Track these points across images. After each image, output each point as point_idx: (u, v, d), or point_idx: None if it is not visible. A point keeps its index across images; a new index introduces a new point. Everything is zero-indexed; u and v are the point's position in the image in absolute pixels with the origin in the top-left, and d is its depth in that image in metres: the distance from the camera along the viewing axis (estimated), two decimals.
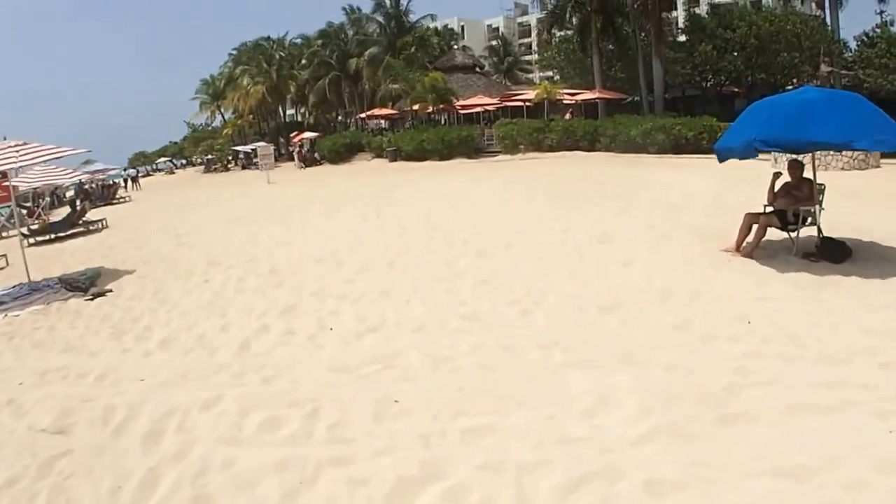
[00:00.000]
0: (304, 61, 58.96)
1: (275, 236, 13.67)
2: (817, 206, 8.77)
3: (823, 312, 6.42)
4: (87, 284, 10.90)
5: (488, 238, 11.21)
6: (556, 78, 44.02)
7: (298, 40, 65.36)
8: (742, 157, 8.26)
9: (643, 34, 34.73)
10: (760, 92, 36.31)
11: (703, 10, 35.50)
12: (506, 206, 14.90)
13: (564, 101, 36.84)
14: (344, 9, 59.01)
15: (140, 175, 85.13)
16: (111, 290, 10.52)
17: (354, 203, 18.08)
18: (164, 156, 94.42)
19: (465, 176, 24.64)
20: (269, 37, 67.27)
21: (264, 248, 12.37)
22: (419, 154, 35.93)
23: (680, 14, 36.67)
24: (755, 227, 8.97)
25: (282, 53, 63.64)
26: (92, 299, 10.05)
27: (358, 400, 5.08)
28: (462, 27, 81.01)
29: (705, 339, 5.90)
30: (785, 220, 8.90)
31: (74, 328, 8.39)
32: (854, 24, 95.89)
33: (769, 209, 9.12)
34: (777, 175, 9.13)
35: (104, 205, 35.12)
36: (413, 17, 52.74)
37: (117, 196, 39.83)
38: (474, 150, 35.17)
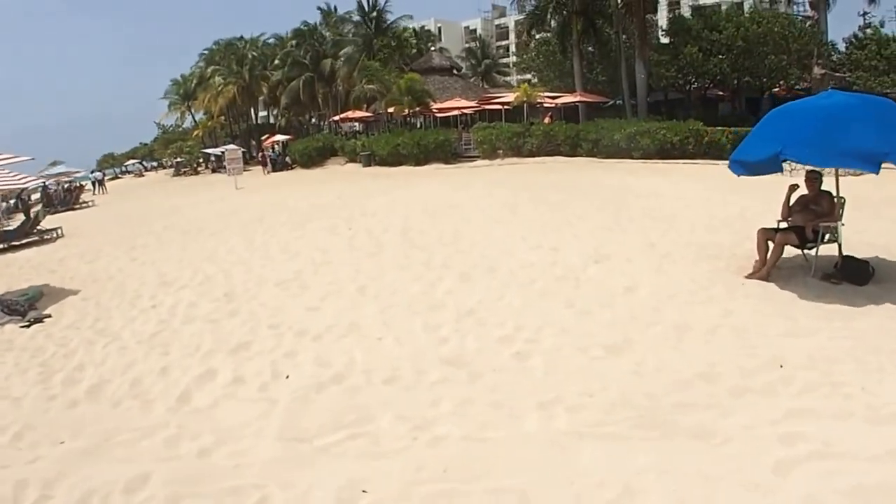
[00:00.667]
0: (276, 61, 57.54)
1: (235, 252, 12.53)
2: (838, 222, 7.88)
3: (862, 350, 5.55)
4: (25, 307, 9.79)
5: (471, 257, 10.19)
6: (534, 81, 43.13)
7: (272, 40, 64.07)
8: (765, 173, 7.32)
9: (625, 36, 34.01)
10: (745, 95, 35.92)
11: (685, 12, 34.75)
12: (488, 219, 13.90)
13: (545, 105, 35.97)
14: (319, 8, 57.95)
15: (108, 178, 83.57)
16: (50, 316, 9.43)
17: (325, 212, 16.99)
18: (134, 158, 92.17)
19: (442, 183, 23.64)
20: (241, 36, 65.82)
21: (222, 267, 11.22)
22: (394, 159, 34.86)
23: (662, 16, 35.86)
24: (770, 244, 8.07)
25: (254, 53, 62.21)
26: (28, 326, 9.02)
27: (315, 486, 4.02)
28: (439, 28, 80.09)
29: (736, 393, 4.95)
30: (803, 237, 8.01)
31: (3, 363, 7.31)
32: (838, 25, 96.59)
33: (784, 225, 8.23)
34: (793, 188, 8.24)
35: (66, 210, 33.63)
36: (391, 17, 51.68)
37: (81, 201, 38.22)
38: (451, 154, 34.16)
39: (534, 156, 30.73)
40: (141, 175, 78.90)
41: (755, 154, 7.26)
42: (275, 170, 44.85)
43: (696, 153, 27.74)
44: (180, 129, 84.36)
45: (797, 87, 34.61)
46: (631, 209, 14.17)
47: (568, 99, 34.60)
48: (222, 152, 57.43)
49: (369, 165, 36.47)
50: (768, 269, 7.94)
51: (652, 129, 28.38)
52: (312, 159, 42.75)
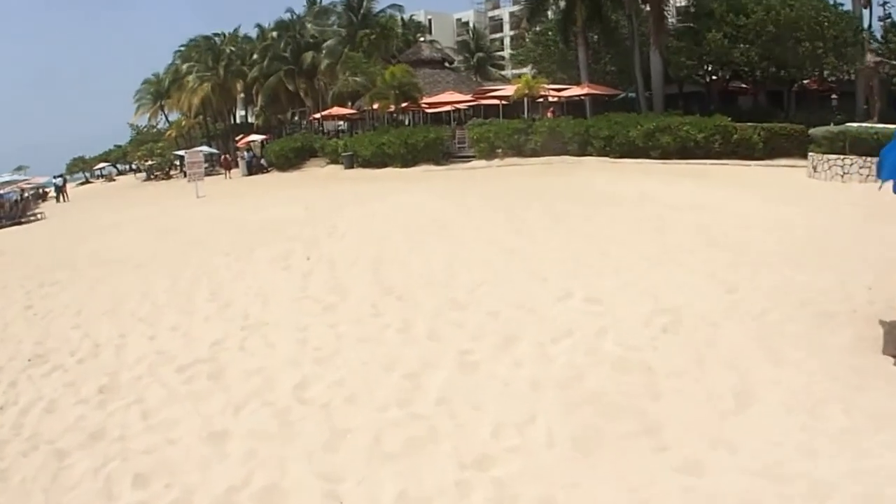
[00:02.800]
0: (255, 56, 54.21)
1: (148, 299, 9.36)
2: None
3: None
4: None
5: (473, 318, 7.08)
6: (532, 73, 39.94)
7: (253, 33, 60.69)
8: None
9: (638, 22, 30.97)
10: (771, 89, 32.86)
11: None
12: (492, 244, 10.80)
13: (549, 98, 32.85)
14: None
15: (78, 183, 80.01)
16: None
17: (284, 232, 13.87)
18: (107, 160, 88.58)
19: (431, 189, 20.55)
20: (219, 32, 62.49)
21: (120, 329, 8.07)
22: (378, 160, 31.67)
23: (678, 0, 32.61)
24: None
25: (232, 48, 58.90)
26: None
27: None
28: (429, 20, 76.85)
29: None
30: None
31: None
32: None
33: None
34: None
35: (11, 224, 30.43)
36: (377, 7, 48.25)
37: (31, 213, 34.93)
38: (443, 154, 30.98)
39: (537, 155, 27.63)
40: (111, 179, 75.60)
41: None
42: (250, 173, 41.61)
43: (722, 152, 24.79)
44: (154, 129, 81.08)
45: (831, 78, 31.58)
46: (676, 229, 11.14)
47: (575, 91, 31.46)
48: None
49: (351, 167, 33.30)
50: None
51: (673, 126, 25.38)
52: (290, 161, 39.48)
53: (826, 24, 27.78)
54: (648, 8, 30.24)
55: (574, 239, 10.75)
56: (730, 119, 25.40)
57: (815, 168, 19.80)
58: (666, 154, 25.12)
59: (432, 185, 21.58)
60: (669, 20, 31.96)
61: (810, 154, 20.36)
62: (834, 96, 30.90)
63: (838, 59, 28.12)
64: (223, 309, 8.39)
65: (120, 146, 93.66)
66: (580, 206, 14.21)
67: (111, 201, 36.52)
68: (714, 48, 28.28)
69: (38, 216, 33.71)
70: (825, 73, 30.24)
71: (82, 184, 79.96)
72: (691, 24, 30.75)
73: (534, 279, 8.38)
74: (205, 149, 56.18)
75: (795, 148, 24.32)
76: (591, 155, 26.60)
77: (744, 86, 33.85)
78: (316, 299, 8.33)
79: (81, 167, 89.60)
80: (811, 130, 22.16)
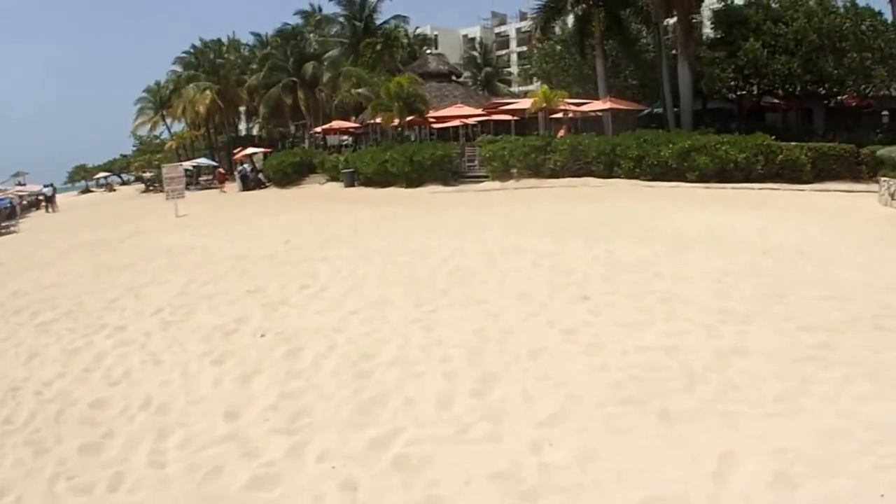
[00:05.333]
0: (254, 66, 50.51)
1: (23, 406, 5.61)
2: None
3: None
4: None
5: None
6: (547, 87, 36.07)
7: (254, 42, 56.99)
8: None
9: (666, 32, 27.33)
10: (809, 105, 29.12)
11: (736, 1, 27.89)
12: (537, 318, 7.00)
13: (569, 114, 29.04)
14: (301, 11, 50.93)
15: (80, 191, 76.40)
16: None
17: (249, 277, 10.13)
18: (111, 170, 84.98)
19: (440, 216, 16.83)
20: (219, 39, 58.79)
21: None
22: (381, 178, 27.93)
23: (705, 4, 28.72)
24: None
25: (232, 57, 55.30)
26: None
27: None
28: (435, 36, 73.20)
29: None
30: None
31: None
32: None
33: None
34: None
35: None
36: (382, 18, 44.54)
37: (4, 224, 31.22)
38: (452, 174, 27.23)
39: (557, 176, 23.89)
40: (112, 189, 71.97)
41: None
42: (246, 188, 37.84)
43: (765, 174, 21.13)
44: (157, 140, 77.43)
45: (873, 93, 27.92)
46: (789, 294, 7.36)
47: (596, 106, 27.67)
48: (195, 166, 50.66)
49: (352, 186, 29.59)
50: None
51: (710, 145, 21.67)
52: (288, 177, 35.75)
53: (872, 33, 24.19)
54: (676, 18, 26.67)
55: (672, 311, 6.96)
56: (773, 137, 21.75)
57: (893, 196, 16.22)
58: (704, 176, 21.47)
59: (441, 213, 17.82)
60: (702, 30, 28.31)
61: (882, 179, 16.86)
62: (885, 112, 27.24)
63: (889, 74, 24.44)
64: (92, 451, 4.60)
65: (125, 156, 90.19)
66: (644, 247, 10.43)
67: (94, 215, 32.65)
68: (753, 59, 24.57)
69: (13, 229, 30.00)
70: (867, 88, 26.41)
71: (84, 192, 76.60)
72: (722, 35, 27.00)
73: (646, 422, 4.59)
74: (203, 161, 52.65)
75: (846, 170, 20.96)
76: (618, 176, 22.87)
77: (775, 101, 30.06)
78: (245, 443, 4.55)
79: (83, 175, 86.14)
80: (880, 152, 18.69)
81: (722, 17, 27.18)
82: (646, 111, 29.02)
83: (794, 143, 21.64)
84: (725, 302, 7.17)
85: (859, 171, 20.75)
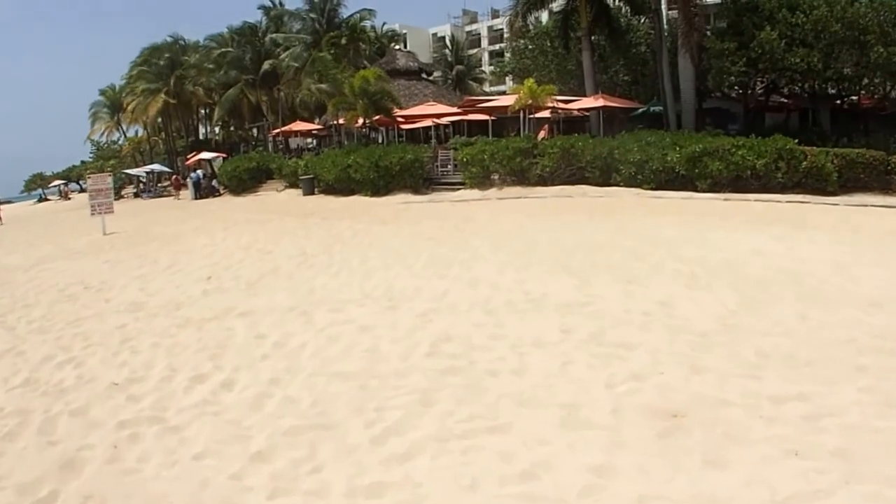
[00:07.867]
0: (210, 65, 46.26)
1: None
2: None
3: None
4: None
5: None
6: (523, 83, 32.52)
7: (212, 42, 52.65)
8: None
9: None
10: (813, 106, 26.05)
11: None
12: (573, 434, 3.50)
13: (558, 112, 25.59)
14: (262, 7, 46.72)
15: (35, 200, 71.30)
16: None
17: (125, 351, 6.53)
18: (69, 177, 79.86)
19: (412, 236, 13.28)
20: (175, 40, 54.24)
21: None
22: (344, 185, 24.23)
23: None
24: None
25: (188, 58, 50.96)
26: None
27: None
28: (404, 34, 69.42)
29: None
30: None
31: None
32: None
33: None
34: None
35: None
36: (347, 12, 40.69)
37: None
38: (423, 181, 23.66)
39: (545, 184, 20.41)
40: (67, 198, 66.94)
41: None
42: (198, 196, 33.81)
43: (786, 184, 17.88)
44: (115, 145, 72.73)
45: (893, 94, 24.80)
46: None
47: (587, 103, 24.23)
48: (148, 172, 46.46)
49: (311, 194, 25.86)
50: None
51: (724, 149, 18.36)
52: (243, 183, 31.81)
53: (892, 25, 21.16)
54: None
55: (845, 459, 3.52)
56: (796, 141, 18.57)
57: None
58: (716, 185, 18.19)
59: (414, 230, 14.24)
60: (706, 17, 25.05)
61: None
62: None
63: None
64: None
65: (84, 162, 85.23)
66: (705, 295, 7.01)
67: (32, 229, 28.30)
68: (768, 50, 21.29)
69: None
70: (891, 87, 23.31)
71: (39, 201, 71.66)
72: (731, 23, 23.71)
73: None
74: (157, 166, 48.30)
75: (874, 180, 17.82)
76: (617, 184, 19.46)
77: (783, 100, 26.91)
78: None
79: (40, 184, 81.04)
80: None
81: (730, 5, 23.86)
82: (641, 110, 25.64)
83: (819, 149, 18.47)
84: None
85: (888, 181, 17.75)
